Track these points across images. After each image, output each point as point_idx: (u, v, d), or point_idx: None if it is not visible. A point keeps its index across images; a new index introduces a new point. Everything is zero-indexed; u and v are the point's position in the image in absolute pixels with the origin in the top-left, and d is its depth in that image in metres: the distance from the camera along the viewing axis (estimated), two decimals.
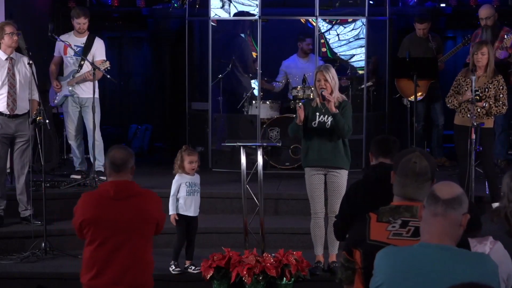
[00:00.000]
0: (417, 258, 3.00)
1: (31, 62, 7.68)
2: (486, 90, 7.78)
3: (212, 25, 10.38)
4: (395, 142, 5.25)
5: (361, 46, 11.20)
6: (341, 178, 6.84)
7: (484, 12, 9.54)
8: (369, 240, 3.44)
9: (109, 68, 8.83)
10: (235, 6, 11.03)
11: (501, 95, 7.80)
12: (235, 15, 10.98)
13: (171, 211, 6.88)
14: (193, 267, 6.94)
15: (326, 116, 6.85)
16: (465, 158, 7.68)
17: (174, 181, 6.96)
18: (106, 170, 4.87)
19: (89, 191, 4.98)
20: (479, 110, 7.73)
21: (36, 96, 7.83)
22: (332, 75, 6.85)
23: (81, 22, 9.05)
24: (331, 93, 6.79)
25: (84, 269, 4.78)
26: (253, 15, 10.49)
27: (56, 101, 9.19)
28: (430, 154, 3.70)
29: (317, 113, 6.89)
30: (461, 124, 7.91)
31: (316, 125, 6.87)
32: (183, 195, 6.91)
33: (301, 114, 6.80)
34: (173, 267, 6.92)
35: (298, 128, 6.88)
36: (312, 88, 9.97)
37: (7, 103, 7.84)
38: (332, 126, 6.83)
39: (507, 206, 4.86)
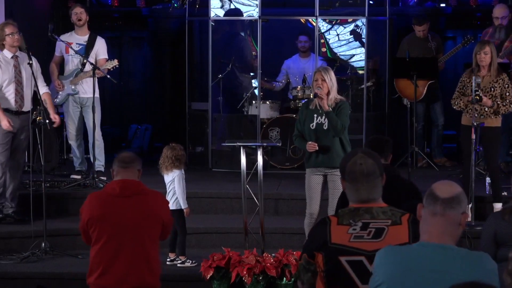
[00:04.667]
0: (416, 257, 3.00)
1: (31, 62, 7.67)
2: (492, 89, 7.73)
3: (212, 25, 10.37)
4: (388, 141, 5.25)
5: (361, 46, 11.21)
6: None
7: (500, 11, 9.49)
8: (330, 243, 3.39)
9: (117, 66, 8.84)
10: (235, 6, 11.03)
11: (507, 93, 7.73)
12: (235, 15, 10.98)
13: (186, 205, 7.08)
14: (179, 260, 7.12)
15: (323, 117, 6.88)
16: (470, 159, 7.65)
17: (183, 177, 7.08)
18: (113, 172, 4.83)
19: (96, 191, 4.92)
20: (486, 109, 7.71)
21: (45, 89, 8.05)
22: (330, 77, 6.87)
23: (78, 11, 9.02)
24: (327, 94, 6.82)
25: (91, 269, 4.76)
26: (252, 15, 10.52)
27: (57, 100, 9.15)
28: (371, 151, 3.57)
29: (315, 115, 6.93)
30: (467, 124, 7.77)
31: (314, 127, 6.91)
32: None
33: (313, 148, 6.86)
34: (190, 261, 7.07)
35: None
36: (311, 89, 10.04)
37: (15, 100, 7.89)
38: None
39: None
